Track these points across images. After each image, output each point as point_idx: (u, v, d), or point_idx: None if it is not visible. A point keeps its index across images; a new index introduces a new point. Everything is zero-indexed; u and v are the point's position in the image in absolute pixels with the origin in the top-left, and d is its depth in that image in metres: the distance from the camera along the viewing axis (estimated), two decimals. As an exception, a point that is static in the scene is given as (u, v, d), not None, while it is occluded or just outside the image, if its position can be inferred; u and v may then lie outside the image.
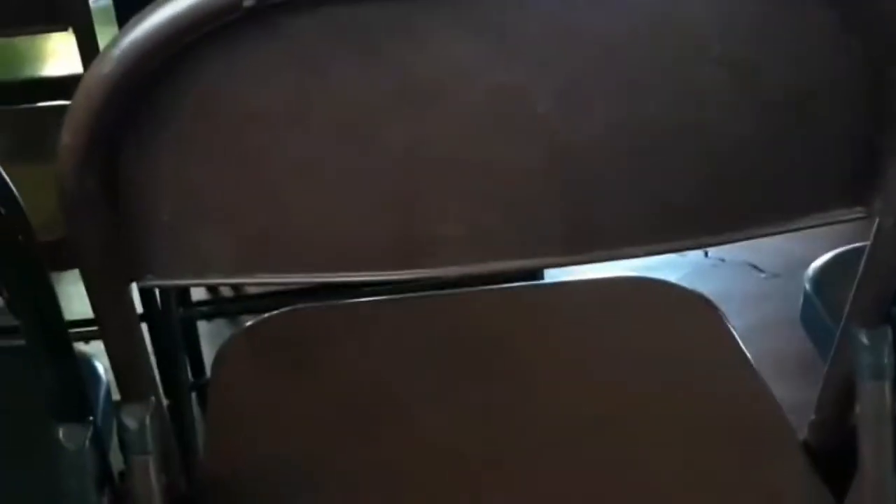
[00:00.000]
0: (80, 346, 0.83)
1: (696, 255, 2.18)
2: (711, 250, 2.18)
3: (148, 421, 0.74)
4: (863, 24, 0.61)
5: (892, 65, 0.63)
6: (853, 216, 0.70)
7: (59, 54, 1.78)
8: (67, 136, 0.60)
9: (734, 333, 1.05)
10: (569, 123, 0.63)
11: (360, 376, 1.02)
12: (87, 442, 0.76)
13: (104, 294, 0.69)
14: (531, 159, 0.64)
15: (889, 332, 0.79)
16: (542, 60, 0.60)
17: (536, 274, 1.55)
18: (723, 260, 2.18)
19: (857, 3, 0.60)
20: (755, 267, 2.15)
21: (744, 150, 0.65)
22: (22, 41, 1.81)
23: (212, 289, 1.93)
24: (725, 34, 0.60)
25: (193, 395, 1.69)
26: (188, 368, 1.69)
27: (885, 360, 0.78)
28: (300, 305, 1.09)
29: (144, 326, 1.26)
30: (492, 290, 1.18)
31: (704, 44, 0.60)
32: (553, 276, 1.64)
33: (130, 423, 0.74)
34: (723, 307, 1.10)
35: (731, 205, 0.67)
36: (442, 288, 1.11)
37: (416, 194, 0.65)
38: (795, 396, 0.97)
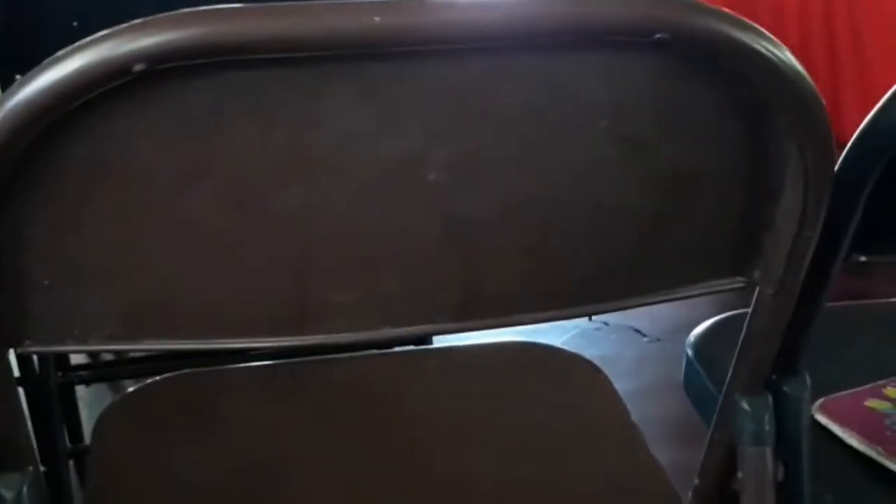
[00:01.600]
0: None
1: (580, 318, 2.21)
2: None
3: (25, 490, 0.72)
4: (746, 110, 0.63)
5: (771, 148, 0.66)
6: (734, 286, 0.72)
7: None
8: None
9: (619, 397, 1.06)
10: (461, 193, 0.63)
11: (246, 442, 1.01)
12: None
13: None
14: (423, 228, 0.64)
15: (769, 399, 0.81)
16: (434, 130, 0.61)
17: (425, 338, 1.55)
18: (606, 324, 2.21)
19: (743, 90, 0.62)
20: (638, 331, 2.19)
21: (633, 222, 0.66)
22: None
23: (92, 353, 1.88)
24: (618, 111, 0.61)
25: (71, 462, 1.64)
26: (66, 435, 1.64)
27: (766, 427, 0.80)
28: (185, 371, 1.08)
29: (21, 391, 1.22)
30: (381, 354, 1.19)
31: (597, 119, 0.61)
32: (441, 339, 1.64)
33: (6, 492, 0.72)
34: (607, 371, 1.12)
35: (619, 275, 0.68)
36: (333, 352, 1.10)
37: (309, 260, 0.65)
38: (679, 460, 0.99)
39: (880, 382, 1.02)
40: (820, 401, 0.98)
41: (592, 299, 0.68)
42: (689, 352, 1.10)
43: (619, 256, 0.68)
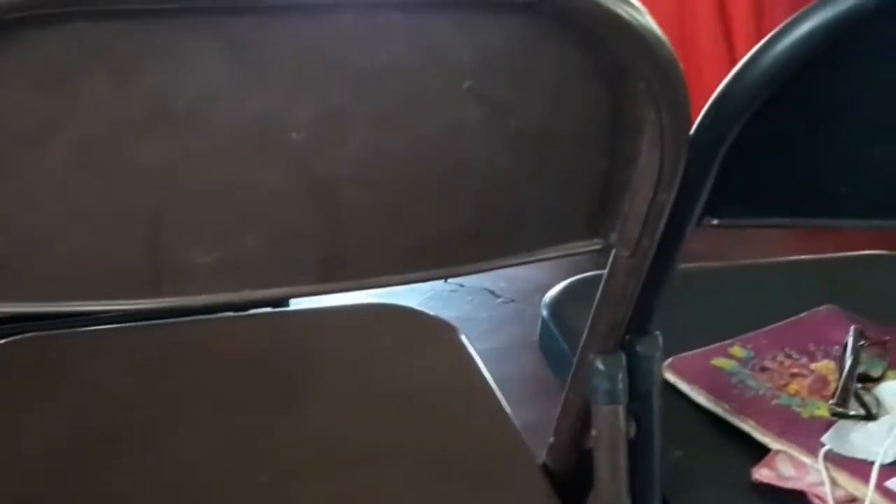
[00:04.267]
0: None
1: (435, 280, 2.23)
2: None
3: None
4: (606, 72, 0.64)
5: (628, 110, 0.67)
6: (592, 248, 0.73)
7: None
8: None
9: (477, 358, 1.07)
10: (324, 152, 0.63)
11: (94, 408, 0.98)
12: None
13: None
14: (285, 187, 0.63)
15: (623, 358, 0.83)
16: (297, 87, 0.60)
17: (282, 300, 1.54)
18: (461, 285, 2.23)
19: (603, 54, 0.63)
20: (492, 293, 2.21)
21: (494, 184, 0.67)
22: None
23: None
24: (482, 71, 0.61)
25: None
26: None
27: (620, 386, 0.82)
28: (34, 334, 1.04)
29: None
30: (237, 317, 1.17)
31: (459, 78, 0.61)
32: (297, 301, 1.63)
33: None
34: (463, 332, 1.13)
35: (480, 237, 0.69)
36: (189, 315, 1.08)
37: (166, 220, 0.63)
38: (534, 419, 1.00)
39: (726, 342, 1.05)
40: (669, 360, 1.01)
41: (455, 261, 0.69)
42: (545, 313, 1.12)
43: (481, 218, 0.68)
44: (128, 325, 1.08)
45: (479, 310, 2.16)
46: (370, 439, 0.97)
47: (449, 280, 2.23)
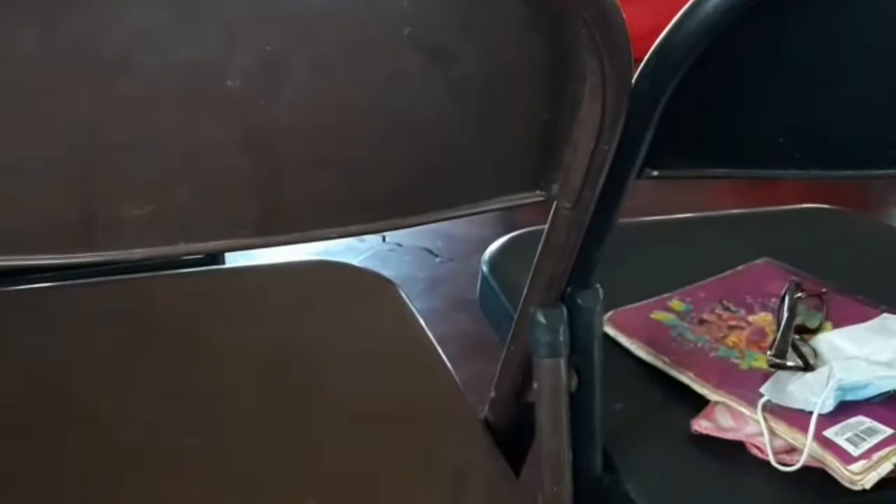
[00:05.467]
0: None
1: (374, 239, 2.22)
2: (389, 235, 2.22)
3: None
4: (548, 20, 0.63)
5: (570, 59, 0.66)
6: (535, 199, 0.73)
7: None
8: None
9: (417, 315, 1.07)
10: (260, 101, 0.61)
11: (27, 367, 0.96)
12: None
13: None
14: (221, 137, 0.62)
15: (564, 311, 0.83)
16: (232, 33, 0.58)
17: (217, 258, 1.52)
18: (400, 245, 2.22)
19: (541, 2, 0.62)
20: (431, 252, 2.21)
21: (435, 134, 0.66)
22: None
23: None
24: (421, 18, 0.60)
25: None
26: None
27: (561, 339, 0.82)
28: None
29: None
30: (172, 274, 1.15)
31: (399, 25, 0.60)
32: (233, 260, 1.61)
33: None
34: (404, 290, 1.12)
35: (424, 188, 0.68)
36: (126, 271, 1.06)
37: (98, 172, 0.62)
38: (470, 377, 1.00)
39: (666, 295, 1.06)
40: (609, 314, 1.01)
41: (398, 213, 0.67)
42: (484, 268, 1.12)
43: (423, 169, 0.67)
44: (59, 283, 1.06)
45: (417, 269, 2.15)
46: (309, 396, 0.96)
47: (387, 239, 2.22)
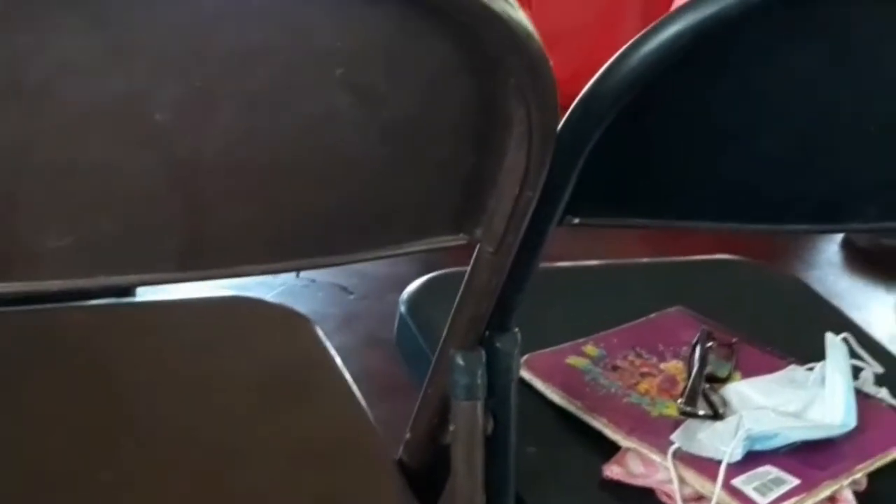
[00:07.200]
0: None
1: (287, 275, 2.20)
2: (303, 271, 2.21)
3: None
4: (478, 67, 0.64)
5: (498, 106, 0.67)
6: (457, 242, 0.73)
7: None
8: None
9: (333, 352, 1.06)
10: (188, 135, 0.61)
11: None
12: None
13: None
14: (147, 169, 0.61)
15: (483, 354, 0.83)
16: (164, 66, 0.58)
17: (128, 291, 1.49)
18: (313, 280, 2.21)
19: (475, 47, 0.63)
20: (345, 289, 2.20)
21: (362, 174, 0.66)
22: None
23: None
24: (353, 59, 0.60)
25: None
26: None
27: (479, 381, 0.82)
28: None
29: None
30: (82, 306, 1.12)
31: (331, 65, 0.60)
32: (142, 293, 1.59)
33: None
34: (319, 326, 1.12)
35: (347, 228, 0.68)
36: (33, 302, 1.03)
37: (17, 200, 0.60)
38: (387, 414, 1.00)
39: (580, 341, 1.07)
40: (524, 357, 1.02)
41: (321, 251, 0.67)
42: (402, 308, 1.12)
43: (348, 209, 0.67)
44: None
45: (330, 306, 2.14)
46: (219, 435, 0.95)
47: (301, 275, 2.21)
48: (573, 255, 1.19)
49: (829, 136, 0.82)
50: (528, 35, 0.63)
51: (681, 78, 0.73)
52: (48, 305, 1.05)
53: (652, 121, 0.77)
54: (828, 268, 2.46)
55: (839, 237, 2.54)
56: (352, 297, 2.18)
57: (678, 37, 0.69)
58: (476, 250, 0.76)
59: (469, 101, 0.66)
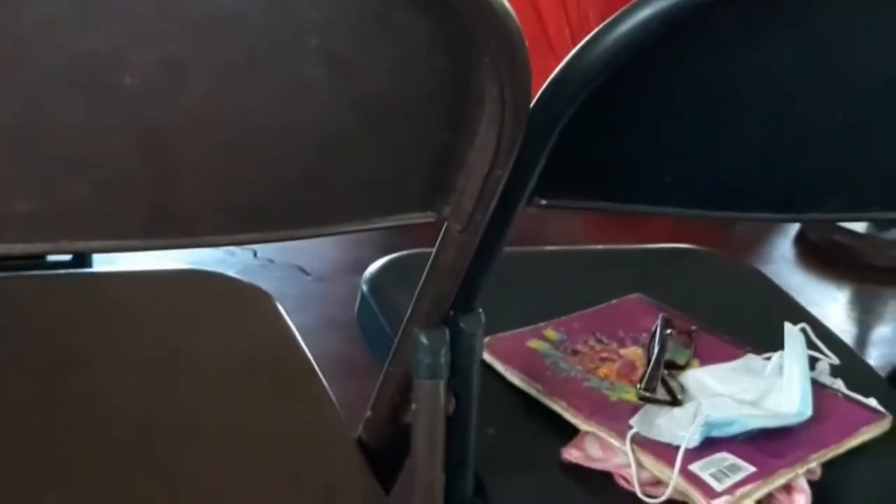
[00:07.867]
0: None
1: (245, 254, 2.19)
2: (261, 251, 2.20)
3: None
4: (452, 43, 0.64)
5: (471, 84, 0.67)
6: (426, 220, 0.73)
7: None
8: None
9: (293, 329, 1.05)
10: (158, 100, 0.60)
11: None
12: None
13: None
14: (115, 134, 0.60)
15: (447, 333, 0.83)
16: (135, 30, 0.57)
17: (84, 260, 1.47)
18: (271, 261, 2.20)
19: (452, 23, 0.62)
20: (302, 270, 2.19)
21: (334, 147, 0.65)
22: None
23: None
24: (329, 30, 0.60)
25: None
26: None
27: (442, 360, 0.82)
28: None
29: None
30: (37, 275, 1.11)
31: (305, 35, 0.59)
32: (98, 264, 1.57)
33: None
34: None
35: (317, 200, 0.67)
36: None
37: (-19, 162, 0.59)
38: (346, 395, 0.99)
39: (541, 325, 1.07)
40: (486, 340, 1.01)
41: (289, 224, 0.67)
42: (364, 288, 1.11)
43: (319, 181, 0.66)
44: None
45: (288, 286, 2.12)
46: (177, 412, 0.94)
47: (259, 255, 2.19)
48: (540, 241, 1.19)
49: (794, 126, 0.83)
50: (506, 13, 0.63)
51: (651, 63, 0.73)
52: (6, 274, 1.04)
53: (621, 105, 0.77)
54: (782, 262, 2.48)
55: (793, 232, 2.56)
56: (309, 278, 2.17)
57: (649, 20, 0.70)
58: (444, 228, 0.76)
59: (442, 77, 0.66)
